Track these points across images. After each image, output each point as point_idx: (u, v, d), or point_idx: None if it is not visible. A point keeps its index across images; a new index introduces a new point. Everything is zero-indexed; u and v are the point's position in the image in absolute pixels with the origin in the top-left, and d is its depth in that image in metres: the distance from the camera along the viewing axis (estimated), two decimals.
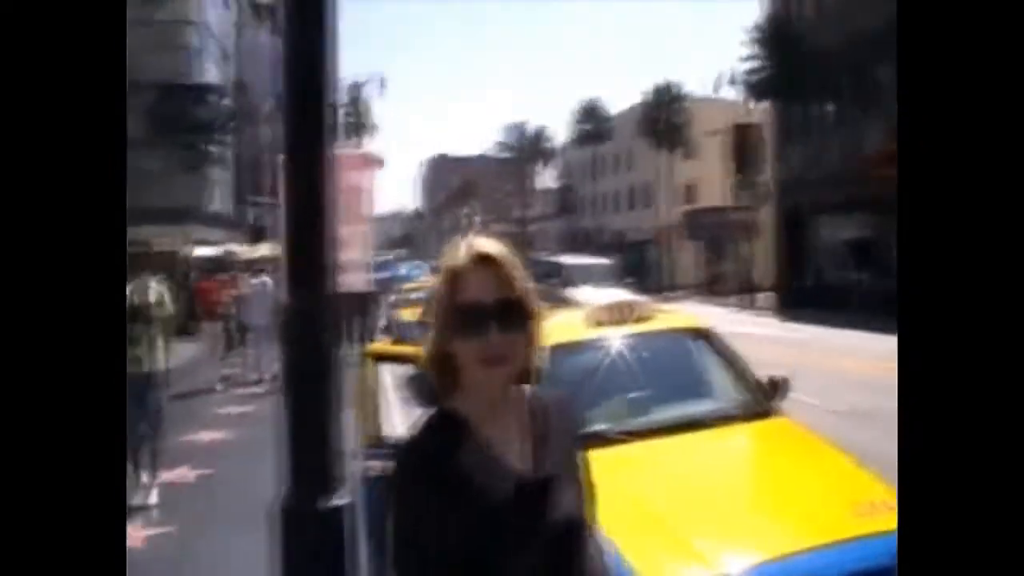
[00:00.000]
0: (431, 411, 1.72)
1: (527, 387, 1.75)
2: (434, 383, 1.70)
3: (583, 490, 1.76)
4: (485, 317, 1.61)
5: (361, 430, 4.60)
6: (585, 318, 5.08)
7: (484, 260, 1.65)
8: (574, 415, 1.88)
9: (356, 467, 4.26)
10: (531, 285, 1.69)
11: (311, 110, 3.00)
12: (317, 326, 2.99)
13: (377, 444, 4.28)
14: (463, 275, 1.64)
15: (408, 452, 1.69)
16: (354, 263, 4.55)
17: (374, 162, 5.04)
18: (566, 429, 1.78)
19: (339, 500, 2.98)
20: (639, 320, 5.10)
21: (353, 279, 4.53)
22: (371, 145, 48.80)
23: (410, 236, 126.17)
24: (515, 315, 1.64)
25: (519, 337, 1.65)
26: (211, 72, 27.66)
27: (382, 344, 9.49)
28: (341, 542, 3.00)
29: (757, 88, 35.99)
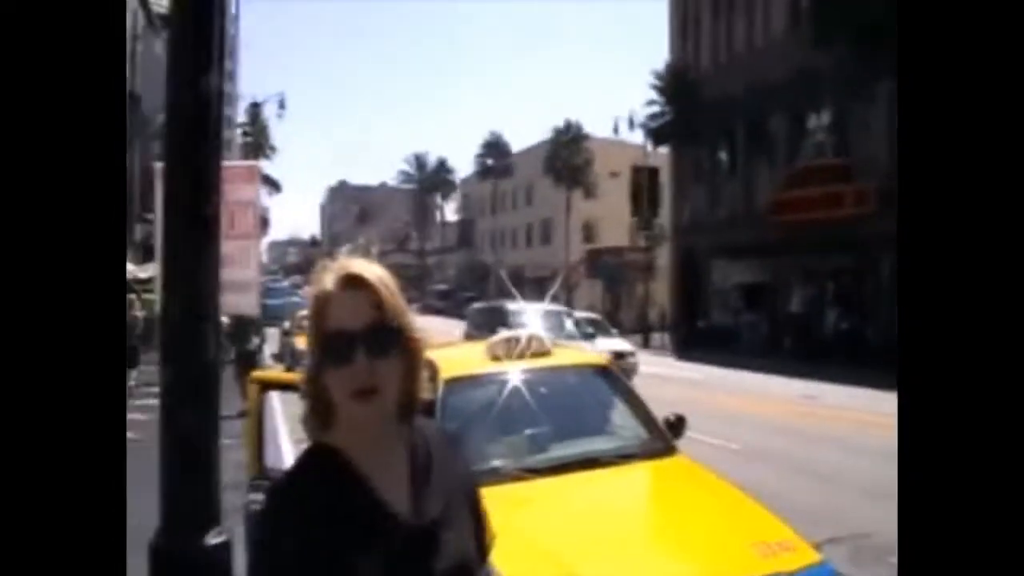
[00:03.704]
0: (306, 446, 1.55)
1: (410, 421, 1.58)
2: (309, 416, 1.52)
3: (474, 536, 1.61)
4: (353, 345, 1.44)
5: (247, 461, 4.35)
6: (483, 351, 4.96)
7: (353, 283, 1.48)
8: (459, 454, 1.73)
9: (240, 501, 4.01)
10: (407, 310, 1.53)
11: (193, 114, 2.77)
12: (196, 347, 2.75)
13: (261, 477, 4.03)
14: (331, 299, 1.47)
15: (275, 492, 1.52)
16: (241, 283, 4.25)
17: (259, 174, 4.80)
18: (453, 469, 1.63)
19: (215, 539, 2.75)
20: (537, 355, 5.00)
21: (238, 300, 4.22)
22: (271, 168, 47.95)
23: (307, 263, 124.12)
24: (387, 343, 1.46)
25: (393, 367, 1.47)
26: None
27: (270, 371, 9.15)
28: None
29: (657, 133, 36.96)
